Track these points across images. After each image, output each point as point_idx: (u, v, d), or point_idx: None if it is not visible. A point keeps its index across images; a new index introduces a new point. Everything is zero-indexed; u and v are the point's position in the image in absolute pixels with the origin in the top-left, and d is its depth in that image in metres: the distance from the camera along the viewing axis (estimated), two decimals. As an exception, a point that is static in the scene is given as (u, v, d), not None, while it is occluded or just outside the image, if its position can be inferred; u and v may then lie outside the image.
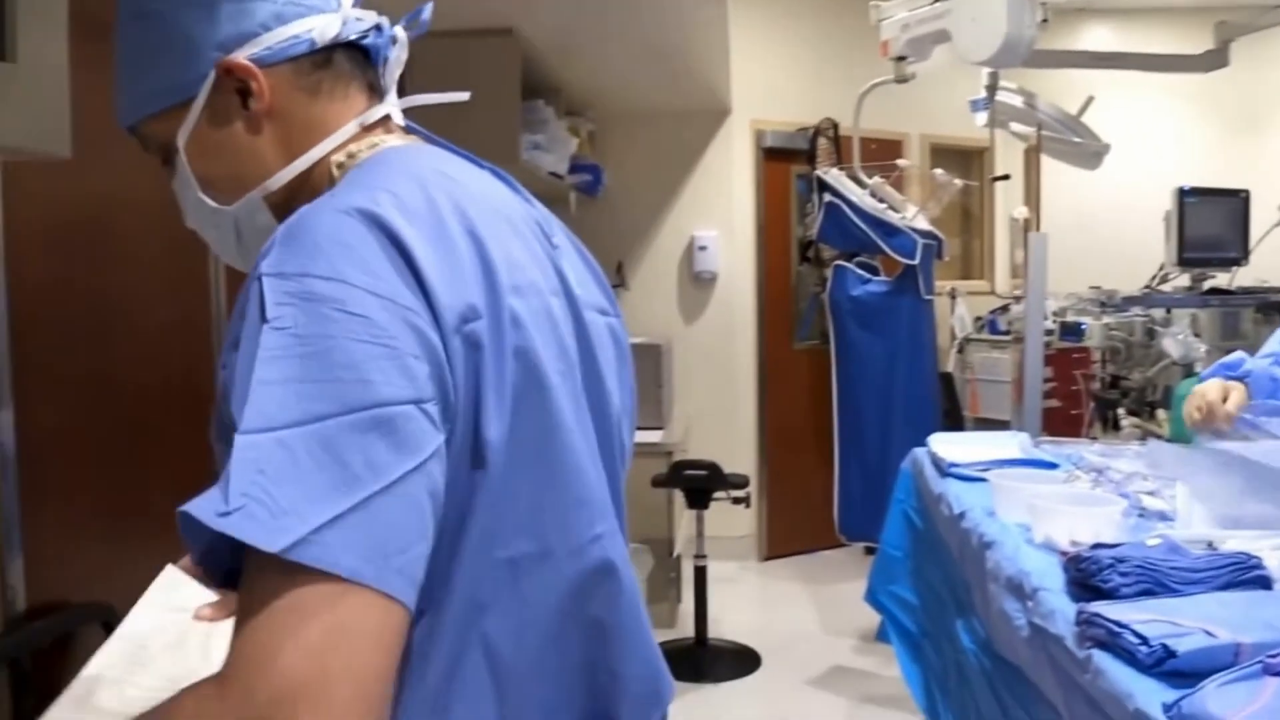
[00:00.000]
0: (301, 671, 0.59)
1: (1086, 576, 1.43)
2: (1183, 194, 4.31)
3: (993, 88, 3.87)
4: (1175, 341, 3.89)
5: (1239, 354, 2.21)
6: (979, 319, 5.11)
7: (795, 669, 3.80)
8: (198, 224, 0.92)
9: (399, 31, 0.94)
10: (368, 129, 0.90)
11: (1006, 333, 4.56)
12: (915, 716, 2.91)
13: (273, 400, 0.63)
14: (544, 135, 3.60)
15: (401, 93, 0.95)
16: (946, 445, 2.51)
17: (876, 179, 4.36)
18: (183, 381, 2.10)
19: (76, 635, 1.72)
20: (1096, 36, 5.99)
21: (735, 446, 5.09)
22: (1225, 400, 2.08)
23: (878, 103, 4.25)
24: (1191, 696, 1.08)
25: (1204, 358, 3.76)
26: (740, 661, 3.86)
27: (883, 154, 4.72)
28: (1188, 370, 3.80)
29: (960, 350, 5.02)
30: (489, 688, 0.76)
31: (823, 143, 4.97)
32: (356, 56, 0.91)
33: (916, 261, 4.21)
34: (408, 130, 0.95)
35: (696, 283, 5.22)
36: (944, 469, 2.36)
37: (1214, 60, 4.18)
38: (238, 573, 0.63)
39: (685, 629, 4.00)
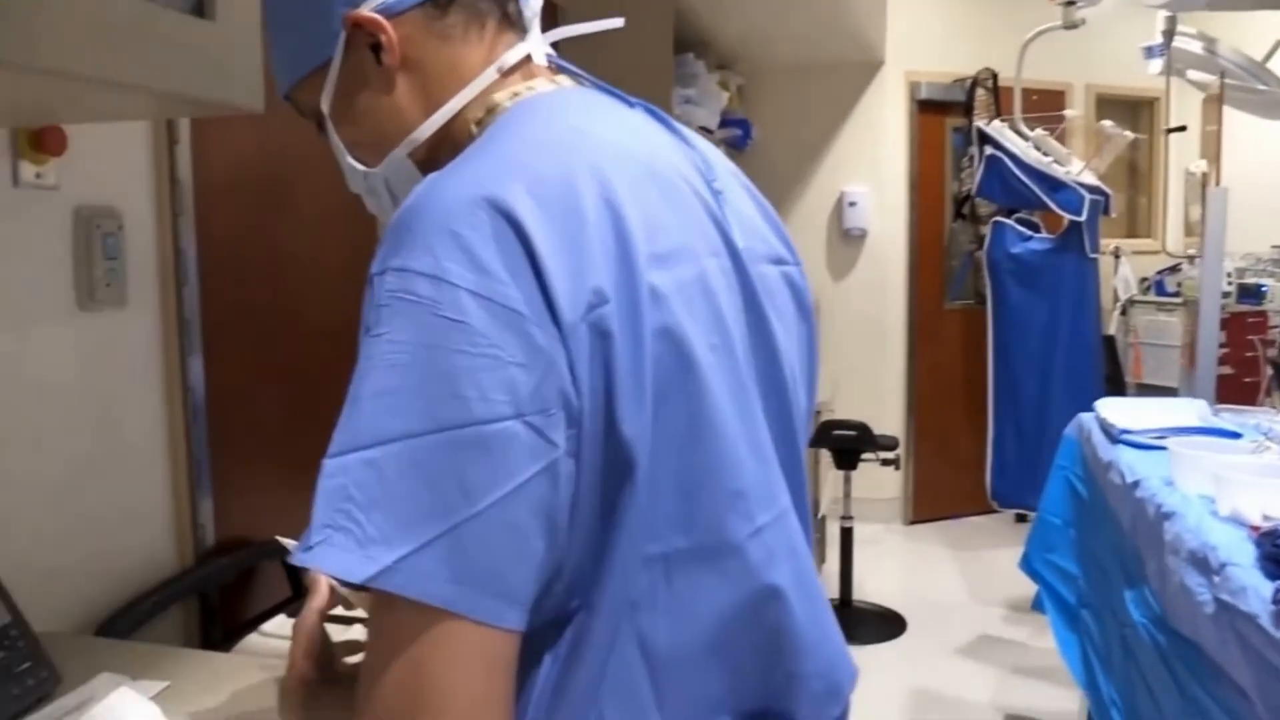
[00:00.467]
0: (395, 704, 0.60)
1: (1283, 553, 1.35)
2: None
3: (1170, 32, 3.65)
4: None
5: None
6: (1144, 279, 4.88)
7: (941, 635, 3.73)
8: (357, 189, 0.91)
9: None
10: (507, 73, 0.84)
11: (1175, 294, 4.33)
12: (1068, 689, 2.82)
13: (363, 416, 0.62)
14: (695, 89, 3.58)
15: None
16: (1117, 411, 2.39)
17: (1039, 131, 4.19)
18: (356, 331, 2.17)
19: (256, 572, 1.82)
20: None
21: (883, 407, 5.00)
22: None
23: (1039, 51, 4.08)
24: None
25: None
26: (885, 625, 3.82)
27: (1045, 105, 4.53)
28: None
29: (1124, 312, 4.80)
30: (646, 686, 0.73)
31: (981, 94, 4.79)
32: None
33: (1083, 218, 4.04)
34: (556, 69, 0.89)
35: (846, 239, 5.12)
36: (1114, 435, 2.26)
37: None
38: None
39: (829, 590, 3.97)
